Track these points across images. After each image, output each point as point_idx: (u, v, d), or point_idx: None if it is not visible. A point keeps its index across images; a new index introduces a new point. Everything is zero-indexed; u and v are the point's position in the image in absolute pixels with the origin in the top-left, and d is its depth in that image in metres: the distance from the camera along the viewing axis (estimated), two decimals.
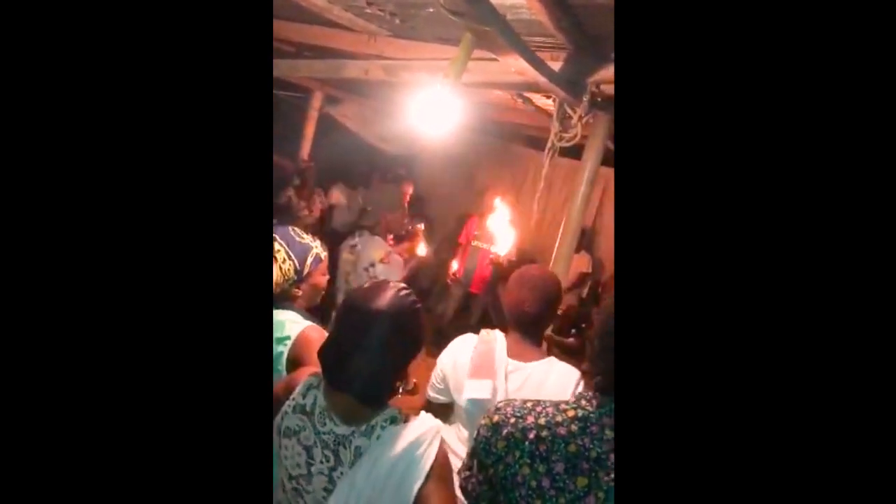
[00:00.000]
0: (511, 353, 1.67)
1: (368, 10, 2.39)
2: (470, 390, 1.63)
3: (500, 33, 1.57)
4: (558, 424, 1.00)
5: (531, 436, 1.00)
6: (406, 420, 1.15)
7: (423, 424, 1.15)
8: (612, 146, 3.84)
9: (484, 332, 1.74)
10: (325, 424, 1.15)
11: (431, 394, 1.78)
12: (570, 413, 1.01)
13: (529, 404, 1.06)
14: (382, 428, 1.13)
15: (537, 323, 1.71)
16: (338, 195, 4.97)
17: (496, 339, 1.70)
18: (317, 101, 4.60)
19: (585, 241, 4.82)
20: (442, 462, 1.12)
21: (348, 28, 2.67)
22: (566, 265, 2.74)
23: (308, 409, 1.18)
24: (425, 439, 1.11)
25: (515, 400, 1.10)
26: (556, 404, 1.05)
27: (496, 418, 1.06)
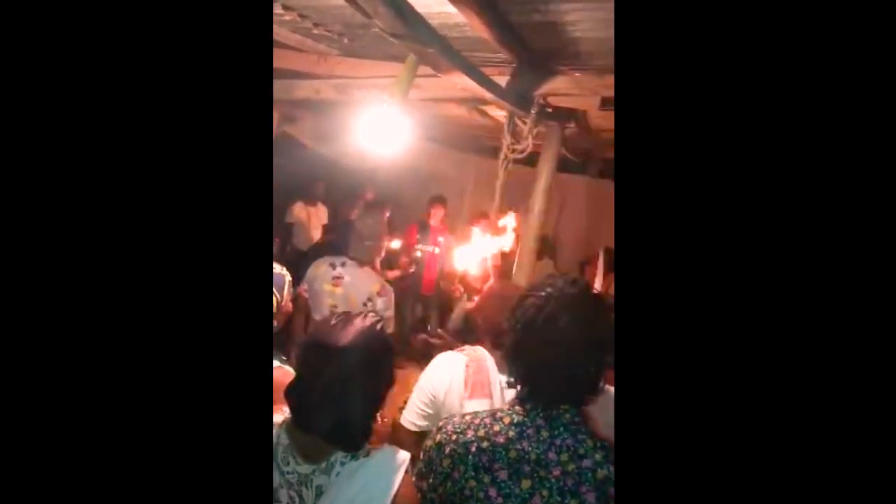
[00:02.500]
0: (500, 370, 1.56)
1: (316, 32, 2.40)
2: (472, 409, 1.46)
3: (440, 53, 1.60)
4: (497, 433, 1.02)
5: (473, 449, 1.02)
6: (367, 454, 1.09)
7: (385, 457, 1.10)
8: (567, 153, 3.92)
9: (470, 349, 1.65)
10: (288, 464, 1.10)
11: (417, 422, 1.59)
12: (507, 420, 1.04)
13: (468, 418, 1.08)
14: (342, 464, 1.08)
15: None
16: (297, 213, 4.94)
17: (485, 356, 1.59)
18: (274, 118, 4.57)
19: (548, 248, 4.90)
20: (404, 496, 1.06)
21: (297, 49, 2.67)
22: (528, 273, 2.78)
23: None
24: (385, 474, 1.06)
25: (455, 416, 1.11)
26: (493, 413, 1.07)
27: (438, 438, 1.07)
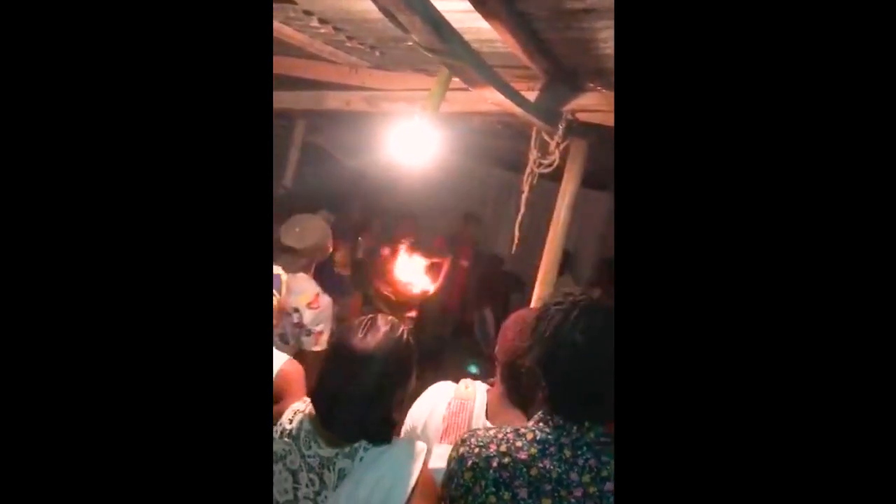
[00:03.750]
0: (491, 414, 1.41)
1: (349, 44, 2.45)
2: (438, 458, 1.30)
3: (474, 68, 1.62)
4: (519, 450, 1.02)
5: (494, 464, 1.02)
6: (389, 441, 1.16)
7: (407, 446, 1.17)
8: (592, 169, 3.93)
9: (462, 384, 1.49)
10: (310, 447, 1.16)
11: None
12: (530, 436, 1.04)
13: (492, 433, 1.08)
14: (366, 450, 1.14)
15: (532, 380, 1.44)
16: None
17: (475, 394, 1.44)
18: (300, 128, 4.64)
19: (570, 263, 4.89)
20: (425, 482, 1.12)
21: (330, 60, 2.72)
22: (550, 288, 2.78)
23: (294, 433, 1.19)
24: (408, 460, 1.13)
25: (479, 430, 1.12)
26: (517, 430, 1.07)
27: (462, 450, 1.08)
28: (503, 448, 1.03)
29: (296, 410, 1.22)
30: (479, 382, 1.49)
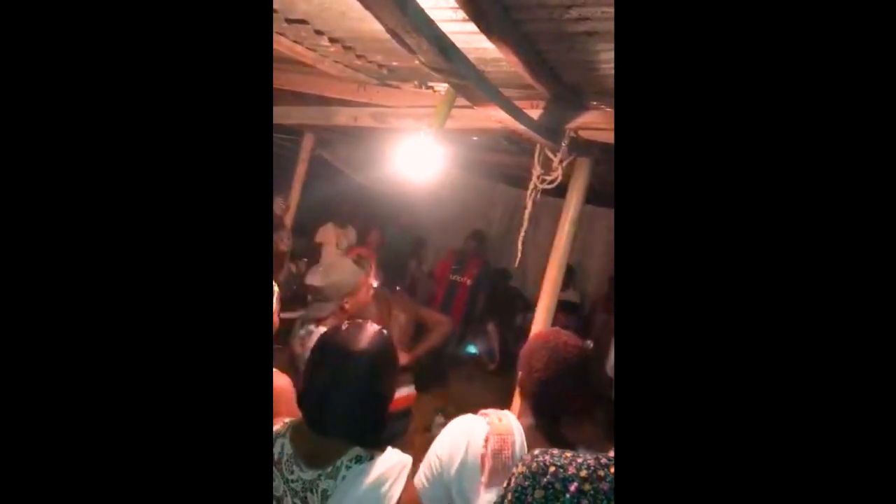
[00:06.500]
0: (529, 445, 1.33)
1: (358, 62, 2.51)
2: None
3: (478, 87, 1.67)
4: (601, 479, 0.96)
5: (573, 488, 0.95)
6: (371, 458, 1.15)
7: (389, 461, 1.15)
8: (595, 185, 3.97)
9: (494, 416, 1.37)
10: (292, 472, 1.15)
11: (416, 483, 1.36)
12: (612, 469, 0.97)
13: (569, 454, 1.02)
14: (347, 468, 1.13)
15: (562, 408, 1.38)
16: (326, 233, 5.07)
17: (511, 429, 1.33)
18: (308, 142, 4.71)
19: (573, 278, 4.93)
20: (407, 499, 1.12)
21: (339, 77, 2.78)
22: (553, 303, 2.81)
23: (276, 458, 1.17)
24: (390, 476, 1.12)
25: (553, 449, 1.05)
26: (597, 457, 1.00)
27: (534, 466, 1.00)
28: (583, 473, 0.97)
29: (276, 435, 1.20)
30: (508, 413, 1.40)
